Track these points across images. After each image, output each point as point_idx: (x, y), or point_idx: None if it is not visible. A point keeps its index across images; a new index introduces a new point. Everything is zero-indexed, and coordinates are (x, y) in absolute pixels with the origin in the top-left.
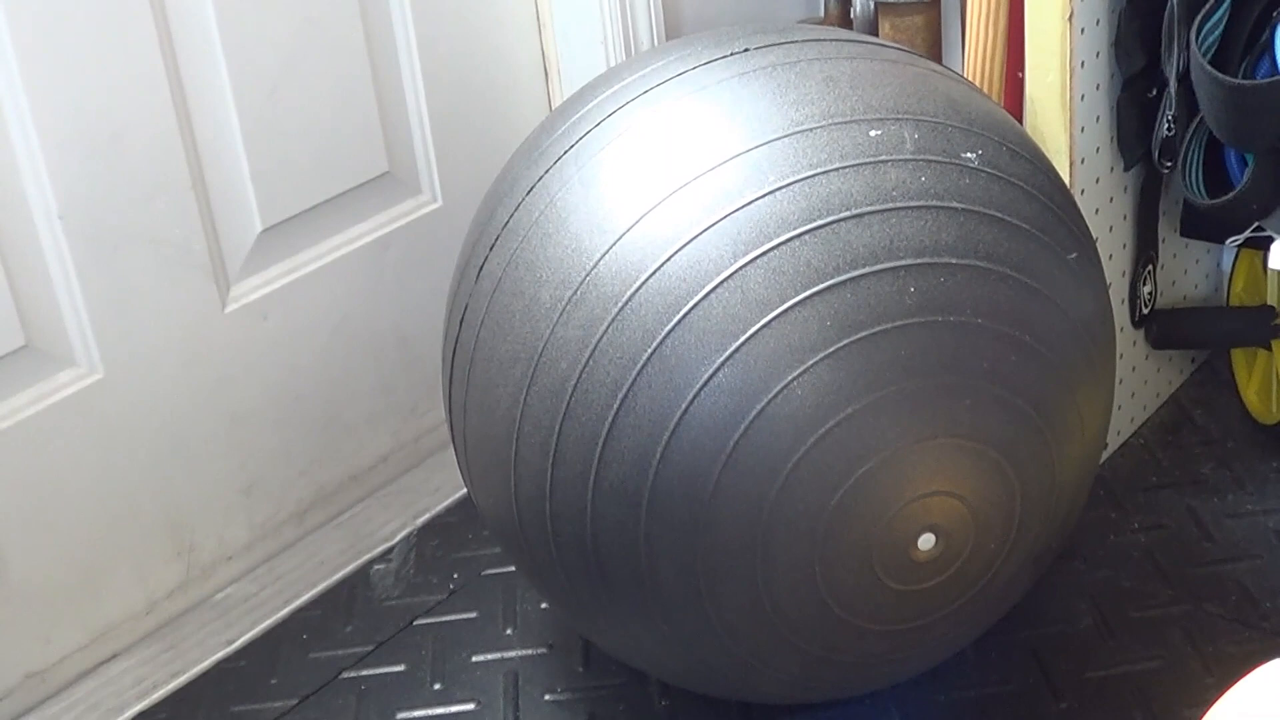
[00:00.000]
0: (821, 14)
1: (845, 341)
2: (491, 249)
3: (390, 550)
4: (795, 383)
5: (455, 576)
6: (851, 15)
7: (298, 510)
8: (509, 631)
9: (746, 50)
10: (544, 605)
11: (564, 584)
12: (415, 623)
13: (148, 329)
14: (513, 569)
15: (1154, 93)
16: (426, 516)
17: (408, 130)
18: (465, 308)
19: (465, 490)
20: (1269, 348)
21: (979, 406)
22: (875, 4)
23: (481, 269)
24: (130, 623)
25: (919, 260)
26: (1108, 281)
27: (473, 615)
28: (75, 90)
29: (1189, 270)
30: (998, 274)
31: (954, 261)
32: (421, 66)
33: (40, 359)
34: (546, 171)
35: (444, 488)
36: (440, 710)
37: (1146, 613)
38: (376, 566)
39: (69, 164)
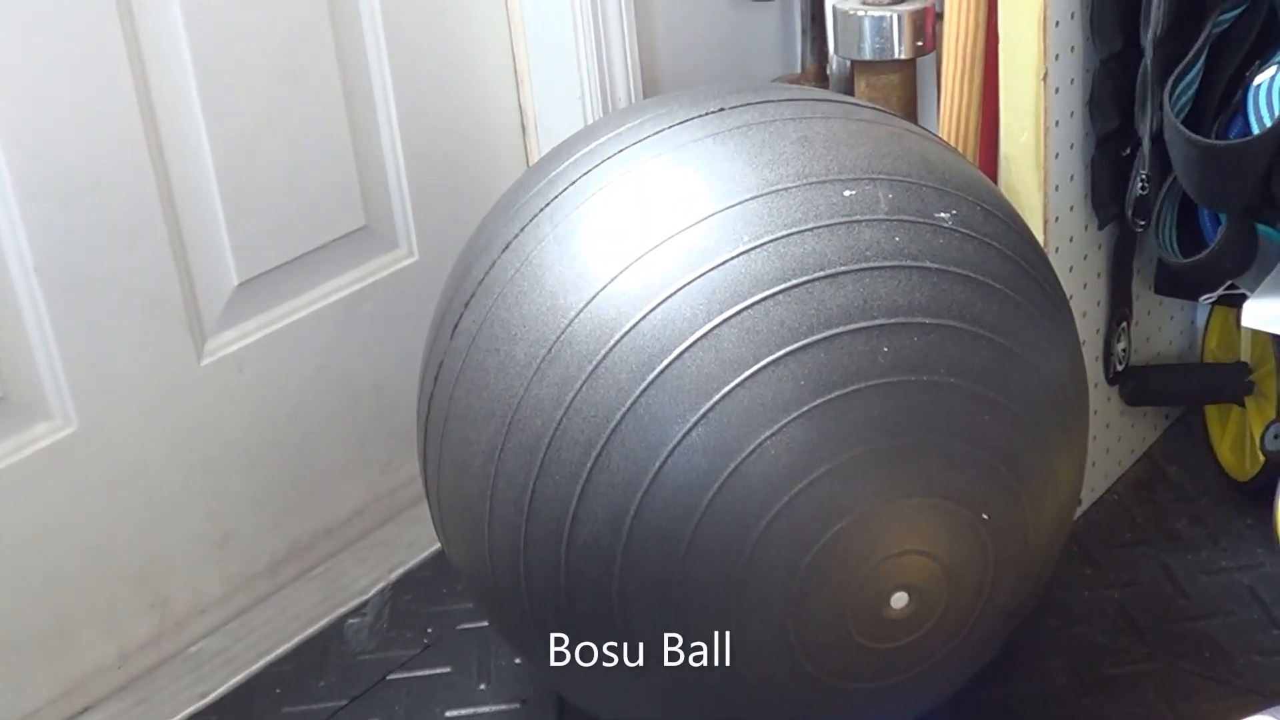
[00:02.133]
0: (798, 70)
1: (818, 401)
2: (467, 305)
3: (364, 604)
4: (769, 442)
5: (429, 631)
6: (828, 72)
7: (272, 563)
8: (483, 686)
9: (722, 109)
10: (518, 660)
11: (538, 639)
12: (389, 677)
13: (123, 382)
14: (487, 624)
15: (1128, 152)
16: (401, 570)
17: (385, 184)
18: (440, 364)
19: (439, 544)
20: (1243, 404)
21: (952, 465)
22: (851, 62)
23: (457, 325)
24: (102, 675)
25: (893, 320)
26: (1082, 339)
27: (447, 670)
28: (51, 142)
29: (1163, 327)
30: (971, 334)
31: (927, 321)
32: (399, 121)
33: (14, 411)
34: (522, 229)
35: (419, 541)
36: None
37: (1121, 670)
38: (351, 620)
39: (45, 216)
